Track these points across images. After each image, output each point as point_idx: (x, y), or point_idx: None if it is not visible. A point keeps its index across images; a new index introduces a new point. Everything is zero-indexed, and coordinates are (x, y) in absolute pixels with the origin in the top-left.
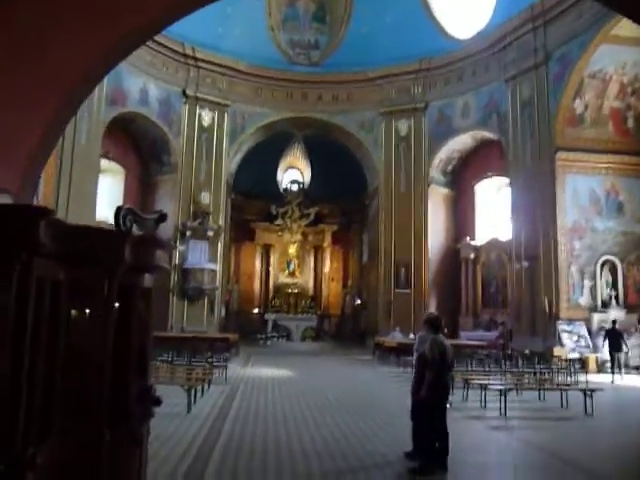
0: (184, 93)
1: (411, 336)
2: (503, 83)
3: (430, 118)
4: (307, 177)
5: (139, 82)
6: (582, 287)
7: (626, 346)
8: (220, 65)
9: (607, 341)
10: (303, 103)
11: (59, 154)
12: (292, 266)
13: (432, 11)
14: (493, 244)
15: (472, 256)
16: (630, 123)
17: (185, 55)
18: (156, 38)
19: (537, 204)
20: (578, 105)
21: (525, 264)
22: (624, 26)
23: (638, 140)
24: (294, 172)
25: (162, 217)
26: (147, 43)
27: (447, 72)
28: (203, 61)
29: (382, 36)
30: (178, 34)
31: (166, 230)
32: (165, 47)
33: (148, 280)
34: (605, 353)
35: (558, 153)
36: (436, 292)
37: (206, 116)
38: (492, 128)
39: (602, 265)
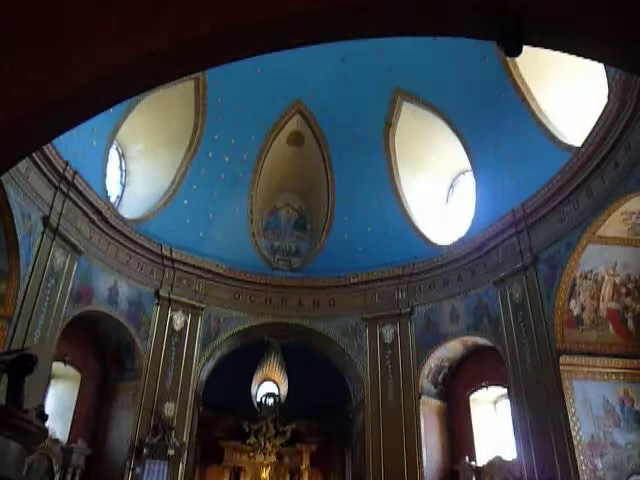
0: (157, 294)
1: None
2: (491, 287)
3: (416, 324)
4: (284, 390)
5: (110, 280)
6: None
7: None
8: (198, 267)
9: None
10: (282, 308)
11: (6, 345)
12: None
13: (413, 220)
14: (497, 464)
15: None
16: (630, 325)
17: (162, 256)
18: (134, 238)
19: (545, 416)
20: (574, 306)
21: None
22: (609, 226)
23: None
24: (270, 384)
25: (24, 359)
26: (124, 242)
27: (431, 277)
28: (181, 262)
29: (363, 243)
30: (157, 236)
31: (121, 446)
32: (142, 247)
33: None
34: None
35: (561, 357)
36: None
37: (178, 319)
38: (484, 333)
39: None
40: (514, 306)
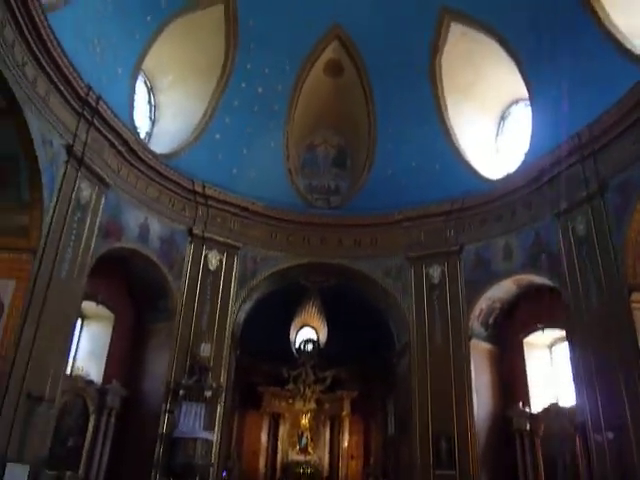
0: (190, 232)
1: None
2: (550, 220)
3: (466, 262)
4: (323, 335)
5: (140, 216)
6: None
7: None
8: (233, 204)
9: None
10: (322, 248)
11: (30, 285)
12: (304, 440)
13: (462, 152)
14: (553, 411)
15: (527, 427)
16: None
17: (195, 192)
18: (165, 173)
19: (612, 358)
20: None
21: (609, 436)
22: None
23: None
24: (309, 330)
25: None
26: (153, 177)
27: (483, 212)
28: (214, 199)
29: (408, 178)
30: (188, 171)
31: (156, 388)
32: (173, 182)
33: None
34: None
35: (633, 294)
36: (487, 473)
37: (213, 258)
38: (541, 271)
39: None
40: (577, 240)
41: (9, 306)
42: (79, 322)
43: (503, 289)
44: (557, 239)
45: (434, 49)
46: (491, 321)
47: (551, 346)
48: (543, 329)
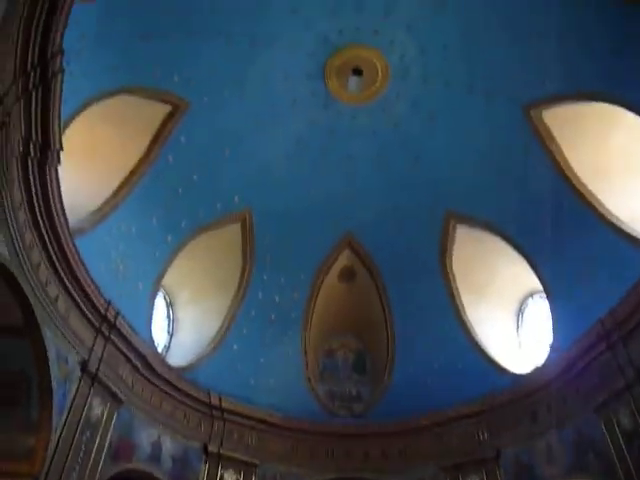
0: (205, 450)
1: None
2: (590, 414)
3: (506, 469)
4: None
5: (153, 434)
6: None
7: None
8: (250, 418)
9: None
10: (347, 461)
11: None
12: None
13: (483, 347)
14: None
15: None
16: None
17: (211, 406)
18: (180, 386)
19: None
20: None
21: None
22: None
23: None
24: None
25: None
26: (169, 391)
27: (516, 410)
28: (231, 412)
29: (432, 378)
30: (205, 384)
31: None
32: (189, 396)
33: None
34: None
35: None
36: None
37: (230, 478)
38: (593, 474)
39: None
40: (625, 435)
41: None
42: None
43: None
44: (602, 435)
45: (443, 250)
46: None
47: None
48: None
